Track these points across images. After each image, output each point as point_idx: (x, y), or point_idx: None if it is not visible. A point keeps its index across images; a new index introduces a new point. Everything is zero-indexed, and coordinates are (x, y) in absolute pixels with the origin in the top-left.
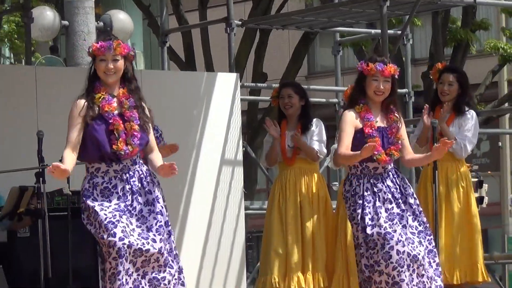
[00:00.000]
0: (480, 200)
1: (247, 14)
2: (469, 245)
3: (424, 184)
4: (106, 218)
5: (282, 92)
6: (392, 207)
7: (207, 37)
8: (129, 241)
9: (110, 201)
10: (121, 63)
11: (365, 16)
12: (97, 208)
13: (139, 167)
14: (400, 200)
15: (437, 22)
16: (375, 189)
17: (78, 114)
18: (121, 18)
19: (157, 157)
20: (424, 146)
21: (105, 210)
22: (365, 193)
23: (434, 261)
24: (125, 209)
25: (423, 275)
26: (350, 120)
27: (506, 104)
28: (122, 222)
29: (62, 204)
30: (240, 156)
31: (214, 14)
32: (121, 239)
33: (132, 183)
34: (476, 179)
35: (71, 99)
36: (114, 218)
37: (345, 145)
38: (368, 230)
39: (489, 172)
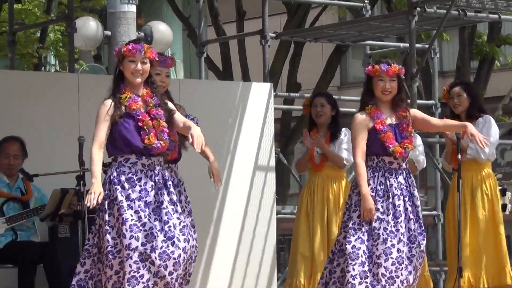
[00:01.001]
0: (503, 208)
1: (283, 25)
2: (494, 250)
3: (452, 193)
4: (132, 219)
5: (315, 101)
6: (399, 204)
7: (244, 48)
8: (151, 246)
9: (134, 192)
10: (148, 66)
11: (394, 30)
12: (125, 205)
13: (163, 169)
14: (406, 198)
15: (464, 36)
16: (388, 184)
17: (106, 113)
18: (161, 29)
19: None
20: (450, 160)
21: (132, 210)
22: (378, 187)
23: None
24: (149, 207)
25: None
26: (362, 123)
27: None
28: (147, 224)
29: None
30: (272, 162)
31: (252, 25)
32: (143, 244)
33: (156, 180)
34: (499, 187)
35: None
36: (139, 221)
37: (361, 152)
38: (376, 224)
39: None
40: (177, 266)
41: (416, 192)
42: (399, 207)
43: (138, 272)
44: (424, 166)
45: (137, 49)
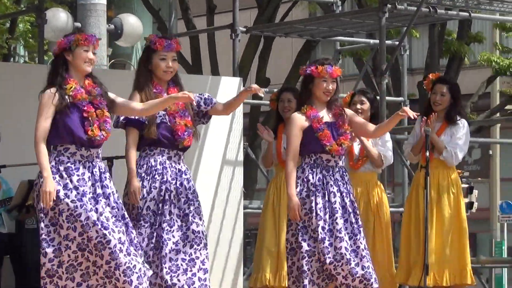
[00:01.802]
0: (469, 205)
1: (253, 19)
2: (458, 249)
3: (416, 189)
4: (68, 209)
5: (282, 96)
6: (335, 200)
7: (214, 42)
8: (87, 236)
9: (71, 182)
10: (96, 57)
11: (364, 26)
12: (61, 194)
13: (100, 161)
14: (344, 194)
15: (433, 34)
16: (325, 181)
17: (50, 103)
18: (131, 22)
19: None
20: (418, 155)
21: (68, 199)
22: (317, 183)
23: (364, 263)
24: (86, 196)
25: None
26: (297, 123)
27: (498, 115)
28: (83, 215)
29: None
30: (240, 157)
31: (222, 19)
32: (80, 234)
33: (94, 172)
34: (466, 185)
35: None
36: (75, 211)
37: (293, 153)
38: (320, 222)
39: (479, 178)
40: (114, 255)
41: (350, 189)
42: (334, 203)
43: (76, 261)
44: (391, 162)
45: (92, 39)
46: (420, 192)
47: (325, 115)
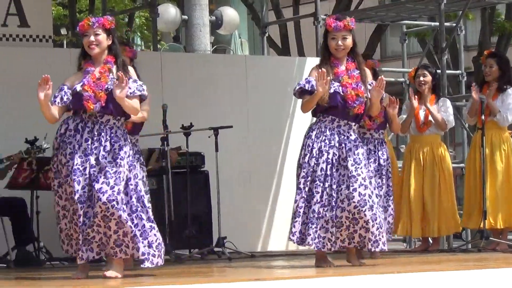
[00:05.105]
0: None
1: (332, 9)
2: (509, 197)
3: (474, 148)
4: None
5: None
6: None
7: (299, 28)
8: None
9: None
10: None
11: (426, 11)
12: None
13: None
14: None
15: (485, 16)
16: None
17: None
18: (230, 13)
19: None
20: (473, 117)
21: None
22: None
23: None
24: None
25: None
26: None
27: None
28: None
29: (183, 163)
30: None
31: (306, 9)
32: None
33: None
34: None
35: (190, 78)
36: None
37: None
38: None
39: None
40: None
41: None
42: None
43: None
44: (453, 125)
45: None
46: (477, 150)
47: None
